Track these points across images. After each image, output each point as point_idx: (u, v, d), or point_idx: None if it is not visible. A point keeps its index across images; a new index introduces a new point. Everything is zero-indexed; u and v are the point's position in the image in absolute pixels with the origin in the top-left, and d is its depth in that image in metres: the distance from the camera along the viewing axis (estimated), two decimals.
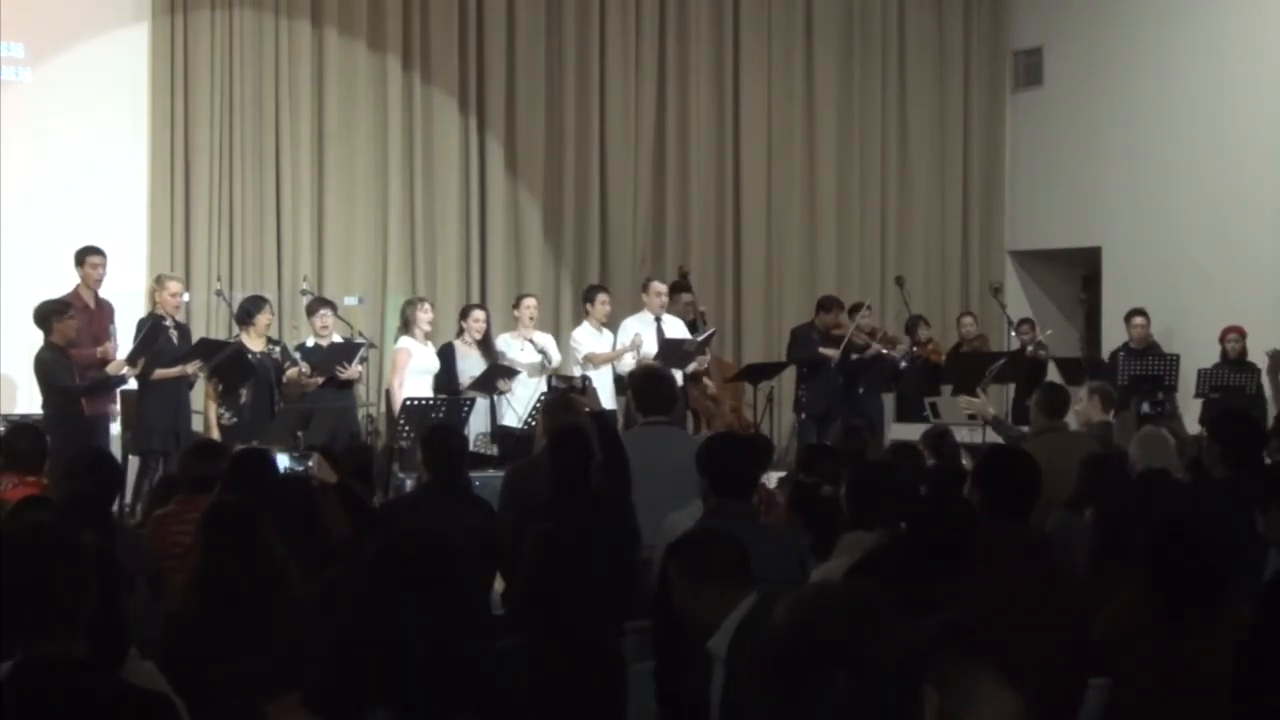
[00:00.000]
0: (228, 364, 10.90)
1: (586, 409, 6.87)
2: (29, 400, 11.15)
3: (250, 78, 13.19)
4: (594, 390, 10.34)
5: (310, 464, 6.30)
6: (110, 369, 10.65)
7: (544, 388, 11.64)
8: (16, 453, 6.82)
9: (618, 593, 5.40)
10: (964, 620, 2.94)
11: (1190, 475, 6.83)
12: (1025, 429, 9.13)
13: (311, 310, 11.95)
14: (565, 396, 8.02)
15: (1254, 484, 5.38)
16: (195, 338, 11.52)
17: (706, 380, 13.03)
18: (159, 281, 11.46)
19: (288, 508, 5.16)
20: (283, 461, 6.67)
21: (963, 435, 10.28)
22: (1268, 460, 7.25)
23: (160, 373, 10.78)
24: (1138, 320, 13.79)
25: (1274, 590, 4.06)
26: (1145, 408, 7.43)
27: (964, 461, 8.75)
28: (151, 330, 10.78)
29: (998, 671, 2.89)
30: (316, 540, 5.32)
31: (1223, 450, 6.25)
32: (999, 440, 9.68)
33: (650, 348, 12.44)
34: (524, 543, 4.49)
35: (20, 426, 7.90)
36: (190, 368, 10.90)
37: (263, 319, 11.38)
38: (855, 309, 13.79)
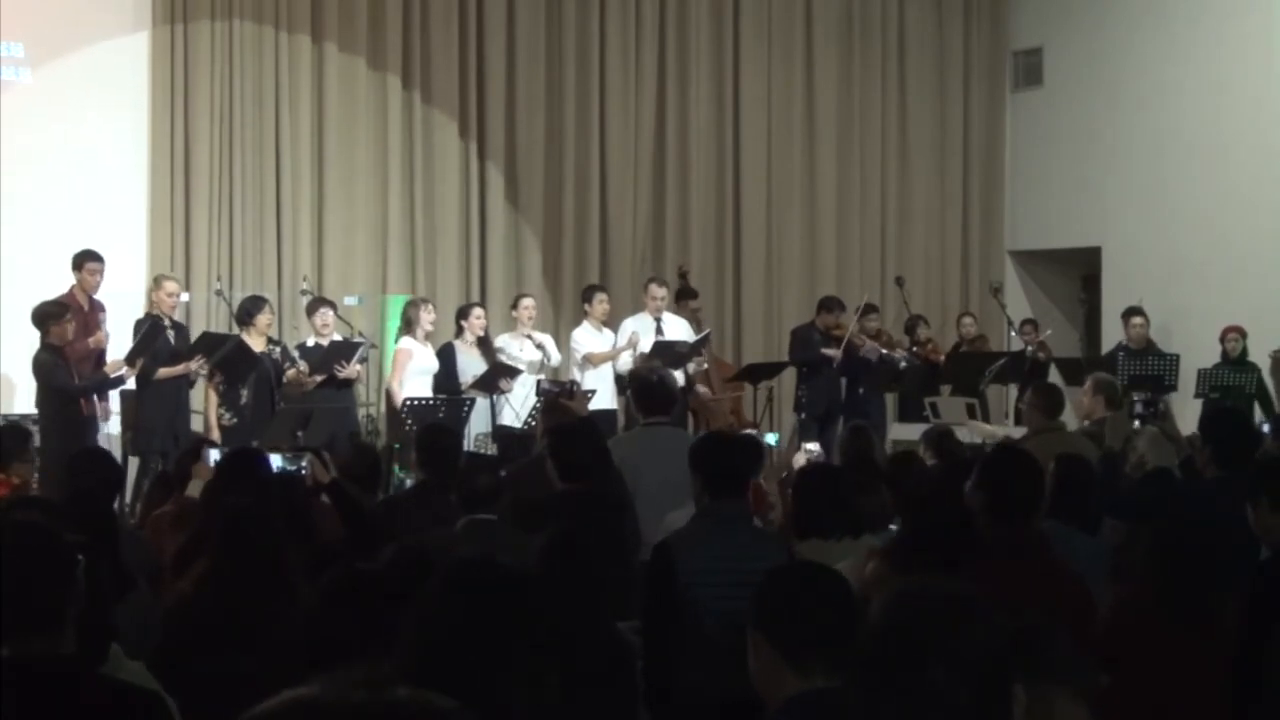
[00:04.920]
0: (230, 359, 10.92)
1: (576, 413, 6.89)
2: (28, 400, 11.16)
3: (250, 84, 13.19)
4: (582, 395, 10.39)
5: (304, 464, 6.29)
6: (109, 369, 10.67)
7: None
8: None
9: (619, 592, 5.40)
10: (1036, 624, 2.91)
11: (1182, 475, 6.84)
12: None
13: (312, 310, 11.97)
14: (556, 401, 8.05)
15: (1245, 483, 5.37)
16: (194, 337, 11.53)
17: (701, 388, 13.01)
18: (156, 281, 11.50)
19: (281, 508, 5.16)
20: (275, 462, 6.66)
21: (962, 435, 10.28)
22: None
23: (163, 371, 10.81)
24: (1136, 320, 13.80)
25: (1262, 582, 4.08)
26: (1138, 408, 7.43)
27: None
28: (151, 330, 10.79)
29: (1070, 679, 2.84)
30: (310, 541, 5.32)
31: (1214, 451, 6.24)
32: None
33: (648, 348, 12.45)
34: (531, 541, 4.50)
35: None
36: (194, 364, 10.91)
37: (263, 319, 11.39)
38: (869, 310, 13.81)
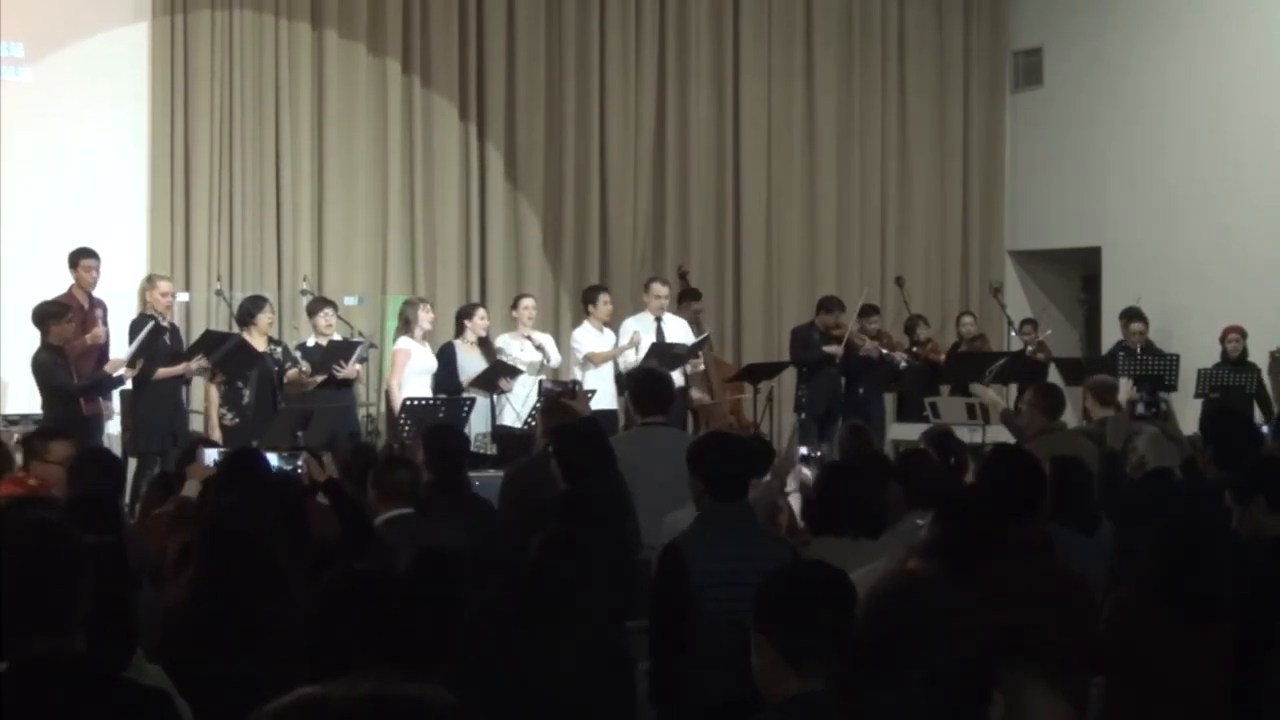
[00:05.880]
0: (231, 356, 10.92)
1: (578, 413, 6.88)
2: (28, 400, 11.16)
3: (250, 78, 13.20)
4: (584, 395, 10.39)
5: (300, 463, 6.29)
6: (109, 368, 10.66)
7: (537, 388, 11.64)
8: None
9: (619, 592, 5.41)
10: (1016, 624, 2.91)
11: (1184, 475, 6.82)
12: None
13: (314, 310, 11.95)
14: (558, 401, 8.05)
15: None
16: (193, 337, 11.53)
17: (695, 393, 13.01)
18: (150, 281, 11.48)
19: (279, 508, 5.16)
20: (272, 461, 6.66)
21: (963, 435, 10.28)
22: None
23: (162, 371, 10.79)
24: (1135, 326, 13.81)
25: (1262, 581, 4.08)
26: (1140, 408, 7.41)
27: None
28: (153, 332, 10.78)
29: (1050, 678, 2.84)
30: (307, 541, 5.32)
31: (1215, 451, 6.23)
32: (999, 440, 9.65)
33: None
34: (531, 541, 4.51)
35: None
36: (193, 364, 10.89)
37: (264, 319, 11.38)
38: (868, 311, 13.82)
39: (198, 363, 10.89)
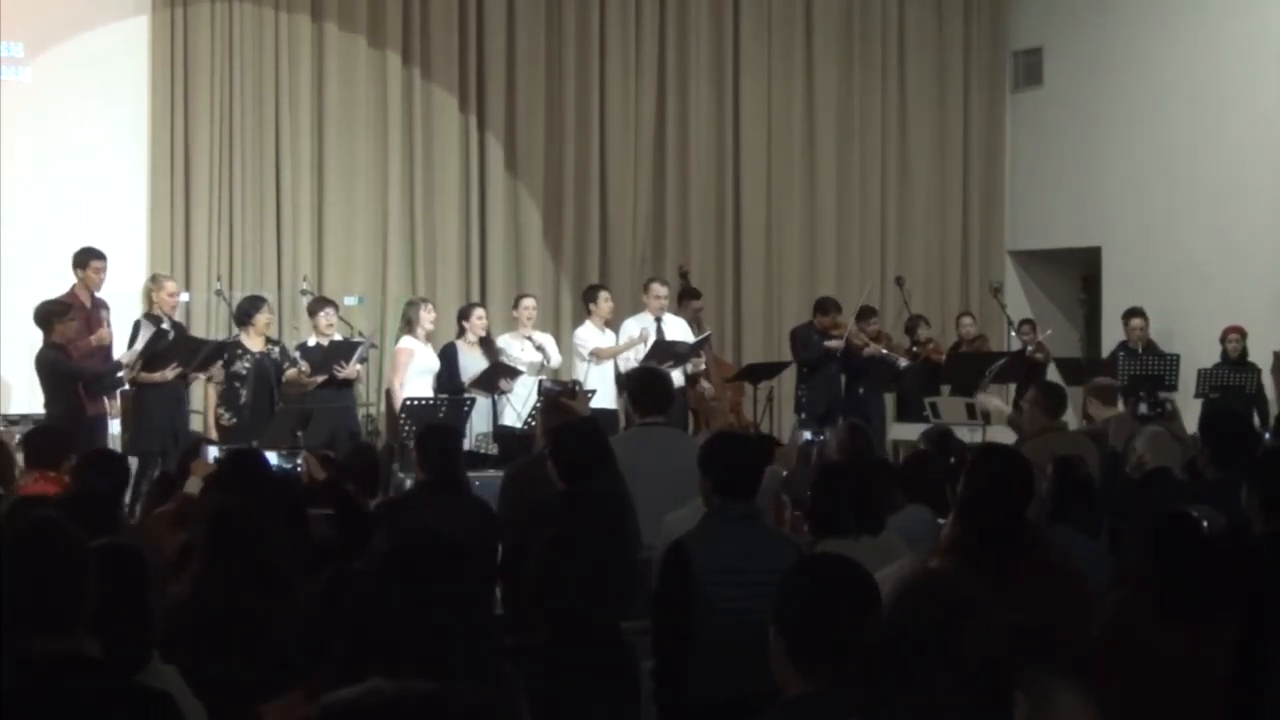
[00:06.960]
0: (211, 358, 10.91)
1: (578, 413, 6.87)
2: (29, 400, 11.15)
3: (250, 72, 13.22)
4: (584, 395, 10.41)
5: (299, 462, 6.29)
6: (121, 358, 10.64)
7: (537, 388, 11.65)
8: (38, 450, 7.04)
9: (619, 593, 5.41)
10: (1041, 623, 2.89)
11: (1187, 476, 6.82)
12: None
13: (315, 310, 11.95)
14: (558, 400, 8.06)
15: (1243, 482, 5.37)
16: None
17: (705, 383, 13.05)
18: (155, 281, 11.48)
19: (279, 507, 5.16)
20: (271, 460, 6.67)
21: (963, 435, 10.28)
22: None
23: (143, 375, 10.72)
24: (1135, 323, 13.82)
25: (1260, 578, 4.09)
26: (1143, 408, 7.42)
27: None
28: (156, 337, 10.77)
29: (1078, 679, 2.82)
30: (306, 540, 5.32)
31: (1213, 452, 6.22)
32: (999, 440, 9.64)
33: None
34: (533, 542, 4.51)
35: (43, 425, 8.09)
36: (170, 372, 10.80)
37: (262, 319, 11.37)
38: (866, 313, 13.82)
39: (173, 371, 10.80)
